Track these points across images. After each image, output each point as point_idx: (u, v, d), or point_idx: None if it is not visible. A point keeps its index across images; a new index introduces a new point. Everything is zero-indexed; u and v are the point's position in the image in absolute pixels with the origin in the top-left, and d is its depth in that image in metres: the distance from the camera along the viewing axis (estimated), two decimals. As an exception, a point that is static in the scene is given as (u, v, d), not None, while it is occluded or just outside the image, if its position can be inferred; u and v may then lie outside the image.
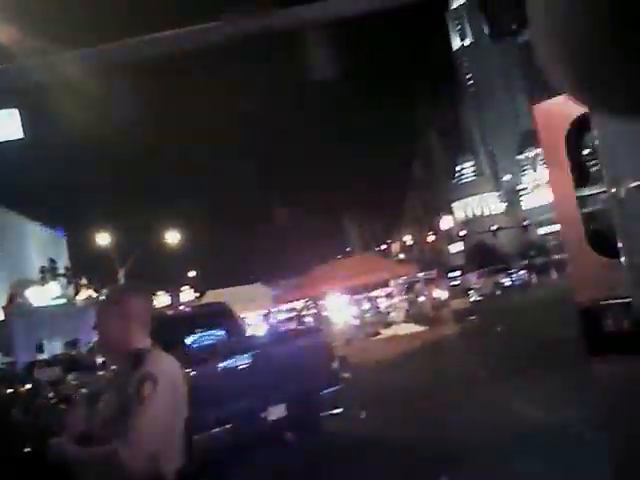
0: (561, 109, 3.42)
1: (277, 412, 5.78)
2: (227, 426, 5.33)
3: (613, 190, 2.76)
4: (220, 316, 7.37)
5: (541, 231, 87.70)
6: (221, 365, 5.63)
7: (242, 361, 5.74)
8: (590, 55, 0.60)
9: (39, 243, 45.05)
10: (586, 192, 3.37)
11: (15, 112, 7.33)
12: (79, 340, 21.88)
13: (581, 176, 3.30)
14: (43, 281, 40.68)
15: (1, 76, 7.22)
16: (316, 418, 6.15)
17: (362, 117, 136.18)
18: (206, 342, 6.84)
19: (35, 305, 37.46)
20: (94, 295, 39.53)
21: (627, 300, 2.57)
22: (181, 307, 18.79)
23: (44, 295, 41.07)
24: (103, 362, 7.37)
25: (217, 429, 5.28)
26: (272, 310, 32.68)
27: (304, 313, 32.22)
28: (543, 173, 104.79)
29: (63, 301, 40.76)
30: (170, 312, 10.94)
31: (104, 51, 7.40)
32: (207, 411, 5.01)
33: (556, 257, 60.75)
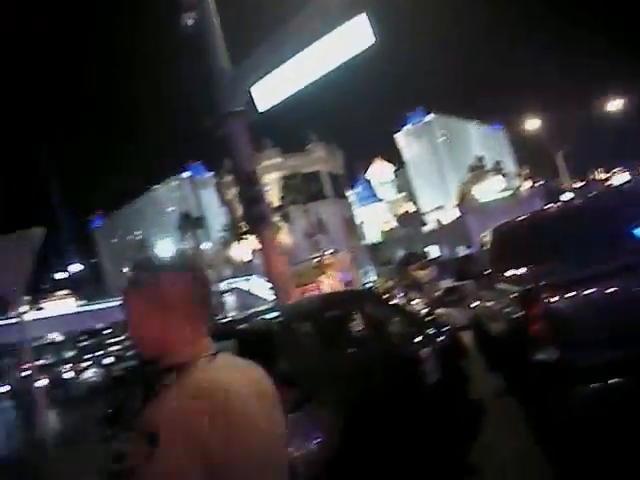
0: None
1: None
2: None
3: None
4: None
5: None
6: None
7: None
8: None
9: (481, 140, 50.14)
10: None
11: (363, 17, 6.78)
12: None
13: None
14: (486, 177, 46.10)
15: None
16: None
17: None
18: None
19: (483, 200, 42.94)
20: (535, 185, 41.55)
21: None
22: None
23: (490, 189, 45.26)
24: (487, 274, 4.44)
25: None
26: None
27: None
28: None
29: (507, 194, 44.85)
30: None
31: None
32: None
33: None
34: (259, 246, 7.91)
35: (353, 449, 2.97)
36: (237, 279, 62.23)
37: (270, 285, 7.82)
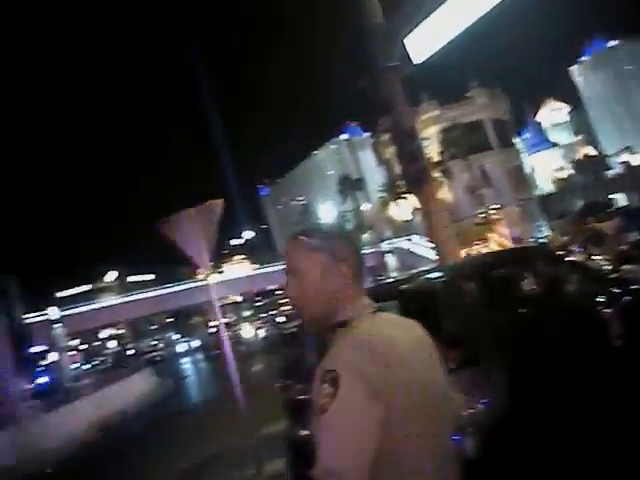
0: None
1: None
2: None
3: None
4: None
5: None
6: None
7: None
8: None
9: None
10: None
11: None
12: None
13: None
14: None
15: None
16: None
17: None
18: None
19: None
20: None
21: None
22: None
23: None
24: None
25: None
26: None
27: None
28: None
29: None
30: None
31: None
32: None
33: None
34: (419, 205, 7.86)
35: (523, 413, 2.91)
36: (397, 239, 62.55)
37: (432, 244, 7.77)
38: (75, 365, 55.78)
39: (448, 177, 49.34)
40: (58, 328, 46.81)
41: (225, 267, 78.05)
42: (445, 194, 47.20)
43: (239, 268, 77.34)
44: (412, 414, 1.20)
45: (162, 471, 7.88)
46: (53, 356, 45.79)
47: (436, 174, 39.55)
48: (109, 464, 9.65)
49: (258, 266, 71.90)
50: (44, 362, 42.69)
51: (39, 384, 30.21)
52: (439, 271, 4.67)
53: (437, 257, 7.45)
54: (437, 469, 1.23)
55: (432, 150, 47.96)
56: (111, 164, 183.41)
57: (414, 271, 7.24)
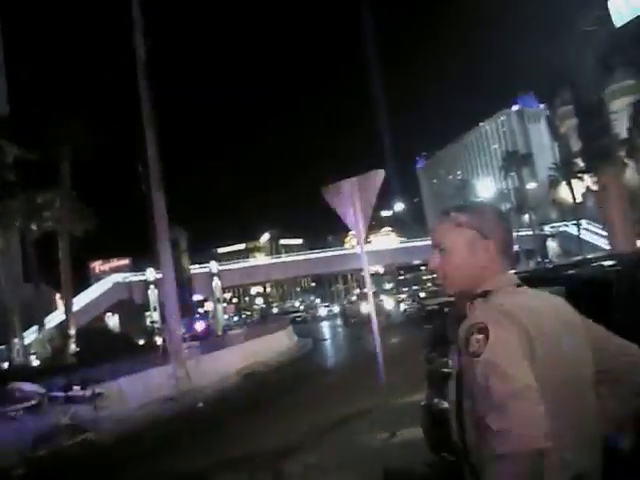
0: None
1: None
2: None
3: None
4: None
5: None
6: None
7: None
8: None
9: None
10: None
11: None
12: None
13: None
14: None
15: None
16: None
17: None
18: None
19: None
20: None
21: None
22: None
23: None
24: None
25: None
26: None
27: None
28: None
29: None
30: None
31: None
32: None
33: None
34: (595, 187, 7.24)
35: None
36: (562, 223, 57.97)
37: (605, 231, 7.15)
38: (227, 316, 61.32)
39: (635, 157, 44.07)
40: (216, 281, 51.64)
41: (371, 238, 78.77)
42: (629, 176, 42.33)
43: (385, 240, 77.55)
44: (551, 398, 1.14)
45: (293, 422, 8.34)
46: (209, 305, 50.78)
47: (621, 153, 35.54)
48: (248, 408, 10.56)
49: (404, 239, 71.51)
50: (202, 310, 47.57)
51: (197, 329, 33.84)
52: (612, 259, 4.31)
53: (610, 245, 6.85)
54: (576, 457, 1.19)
55: (620, 125, 42.95)
56: (280, 130, 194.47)
57: (580, 257, 6.75)
